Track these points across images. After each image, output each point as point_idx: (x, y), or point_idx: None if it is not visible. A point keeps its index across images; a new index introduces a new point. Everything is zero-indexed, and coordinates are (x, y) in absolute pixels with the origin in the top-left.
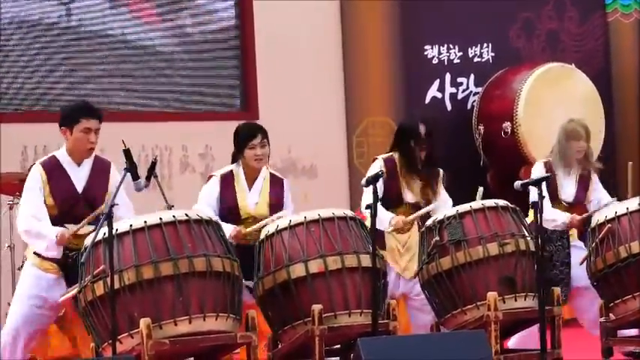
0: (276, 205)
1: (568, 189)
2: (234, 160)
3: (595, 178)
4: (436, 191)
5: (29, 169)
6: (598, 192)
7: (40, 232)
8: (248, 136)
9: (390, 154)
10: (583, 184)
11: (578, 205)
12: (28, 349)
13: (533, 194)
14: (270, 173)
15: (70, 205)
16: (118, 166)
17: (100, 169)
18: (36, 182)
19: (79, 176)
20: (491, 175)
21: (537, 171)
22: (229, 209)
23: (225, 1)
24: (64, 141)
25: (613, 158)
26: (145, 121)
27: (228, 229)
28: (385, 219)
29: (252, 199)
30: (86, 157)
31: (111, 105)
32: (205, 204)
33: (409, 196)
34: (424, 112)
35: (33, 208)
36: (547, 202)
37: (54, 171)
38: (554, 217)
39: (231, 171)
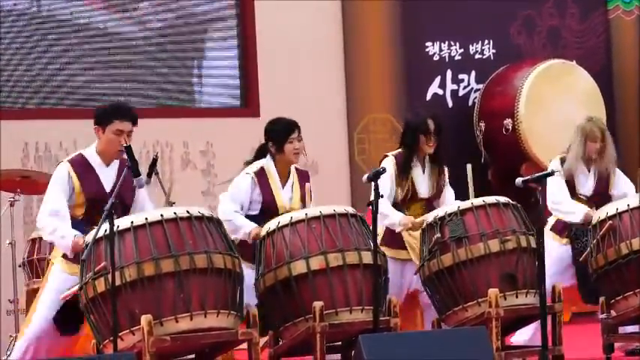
0: (304, 198)
1: (587, 183)
2: (259, 156)
3: (618, 173)
4: (442, 188)
5: (56, 166)
6: (621, 186)
7: (59, 232)
8: (287, 130)
9: (400, 150)
10: (603, 179)
11: (598, 198)
12: (49, 354)
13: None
14: (295, 167)
15: (100, 205)
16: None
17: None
18: (63, 180)
19: (108, 176)
20: (493, 171)
21: (553, 166)
22: (268, 205)
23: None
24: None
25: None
26: (146, 118)
27: (248, 227)
28: (395, 219)
29: (286, 194)
30: (115, 159)
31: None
32: (231, 200)
33: (422, 191)
34: (429, 109)
35: (56, 205)
36: (567, 196)
37: (84, 170)
38: (573, 210)
39: (262, 167)
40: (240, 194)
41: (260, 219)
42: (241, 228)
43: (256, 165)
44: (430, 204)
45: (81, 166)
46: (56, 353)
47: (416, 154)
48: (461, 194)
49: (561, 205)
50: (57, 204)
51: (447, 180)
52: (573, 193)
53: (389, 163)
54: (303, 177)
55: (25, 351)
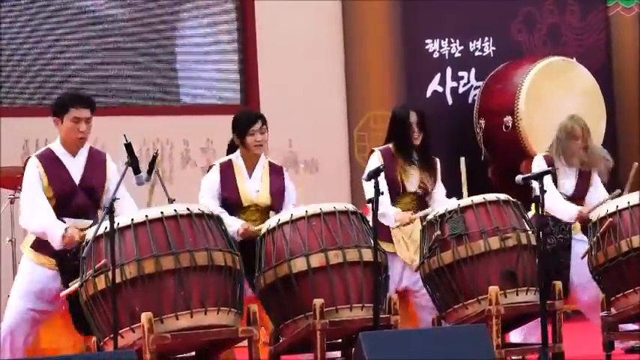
0: (277, 193)
1: (568, 182)
2: (230, 151)
3: (595, 176)
4: (435, 179)
5: (25, 163)
6: (596, 190)
7: (47, 230)
8: (248, 122)
9: (387, 145)
10: (584, 178)
11: (578, 198)
12: (26, 344)
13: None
14: (269, 162)
15: (69, 196)
16: (120, 160)
17: (96, 160)
18: (34, 176)
19: (76, 167)
20: (493, 169)
21: (537, 165)
22: (230, 198)
23: None
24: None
25: (614, 153)
26: (146, 115)
27: (236, 225)
28: (390, 215)
29: (252, 186)
30: (79, 148)
31: (112, 99)
32: (210, 197)
33: (411, 185)
34: (424, 105)
35: (36, 202)
36: (558, 195)
37: (50, 163)
38: (565, 208)
39: (230, 160)
40: (212, 185)
41: (225, 210)
42: (229, 227)
43: (225, 158)
44: (421, 198)
45: (48, 159)
46: (34, 345)
47: (404, 147)
48: (458, 189)
49: (553, 204)
50: (36, 202)
51: (439, 175)
52: None
53: (375, 159)
54: (276, 172)
55: (2, 342)
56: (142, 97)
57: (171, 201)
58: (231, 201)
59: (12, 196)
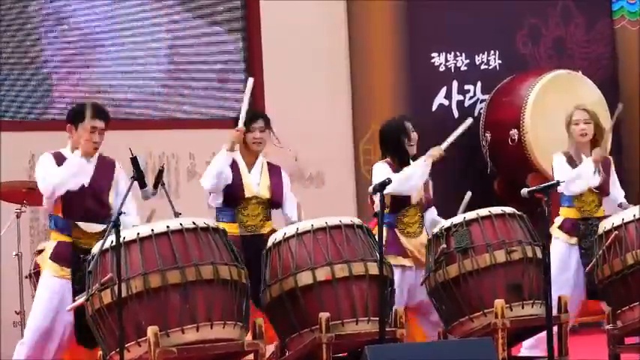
0: (276, 190)
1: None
2: None
3: (613, 170)
4: (428, 188)
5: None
6: (614, 185)
7: (68, 169)
8: (250, 118)
9: (387, 159)
10: (604, 170)
11: (604, 188)
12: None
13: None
14: (267, 162)
15: (78, 199)
16: (126, 174)
17: (105, 165)
18: (50, 159)
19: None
20: (499, 182)
21: (557, 160)
22: (234, 190)
23: (232, 7)
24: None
25: (619, 164)
26: (152, 129)
27: (223, 149)
28: (422, 158)
29: (254, 179)
30: (89, 157)
31: (118, 113)
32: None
33: (415, 196)
34: (430, 119)
35: (54, 163)
36: (568, 168)
37: (62, 163)
38: (579, 172)
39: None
40: (219, 164)
41: (228, 206)
42: (218, 156)
43: None
44: (422, 207)
45: (60, 159)
46: None
47: (403, 159)
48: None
49: (573, 173)
50: (55, 164)
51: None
52: None
53: (385, 169)
54: (274, 170)
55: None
56: (148, 111)
57: (177, 215)
58: (234, 193)
59: (18, 211)
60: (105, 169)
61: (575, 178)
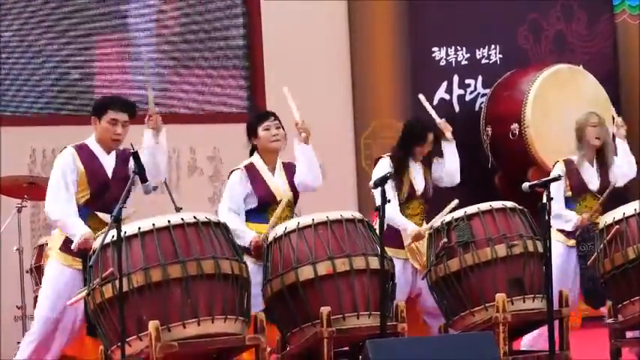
0: (295, 188)
1: (593, 179)
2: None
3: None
4: (431, 183)
5: (61, 151)
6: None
7: (68, 229)
8: (259, 118)
9: (396, 151)
10: (603, 172)
11: (603, 192)
12: (52, 355)
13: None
14: (282, 162)
15: (103, 189)
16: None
17: (123, 158)
18: (68, 165)
19: (108, 164)
20: (499, 176)
21: (558, 170)
22: (264, 195)
23: (233, 4)
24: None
25: None
26: None
27: (249, 237)
28: (408, 229)
29: (280, 182)
30: (112, 148)
31: None
32: (229, 200)
33: (419, 189)
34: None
35: (60, 194)
36: (562, 204)
37: (87, 156)
38: (569, 218)
39: (252, 162)
40: (234, 190)
41: (259, 210)
42: (241, 238)
43: (245, 161)
44: (425, 200)
45: (85, 151)
46: (61, 353)
47: (410, 156)
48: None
49: (560, 211)
50: (61, 192)
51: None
52: (586, 190)
53: (387, 164)
54: (289, 169)
55: (32, 350)
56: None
57: (178, 209)
58: (266, 198)
59: (19, 205)
60: (123, 159)
61: (559, 217)
